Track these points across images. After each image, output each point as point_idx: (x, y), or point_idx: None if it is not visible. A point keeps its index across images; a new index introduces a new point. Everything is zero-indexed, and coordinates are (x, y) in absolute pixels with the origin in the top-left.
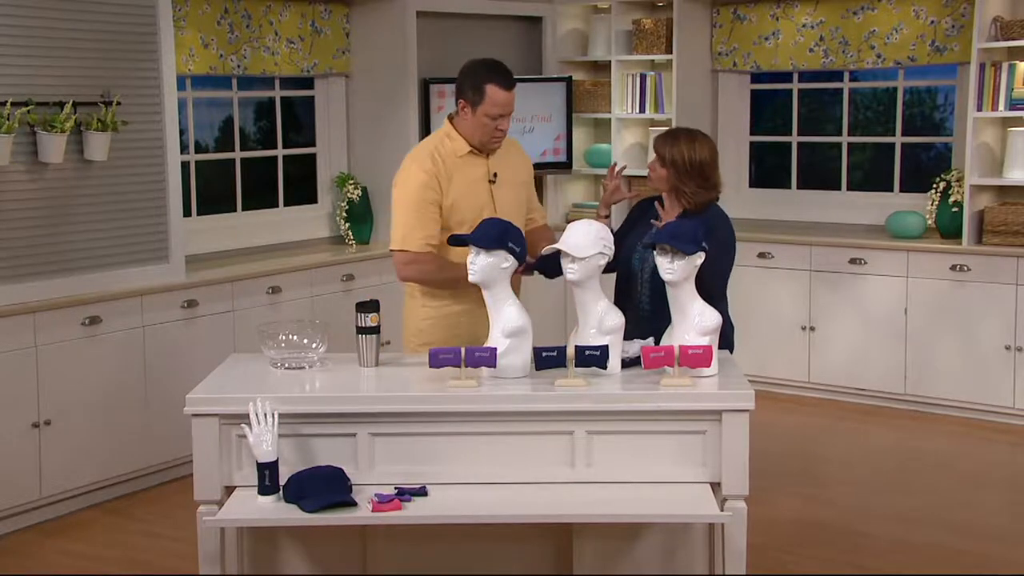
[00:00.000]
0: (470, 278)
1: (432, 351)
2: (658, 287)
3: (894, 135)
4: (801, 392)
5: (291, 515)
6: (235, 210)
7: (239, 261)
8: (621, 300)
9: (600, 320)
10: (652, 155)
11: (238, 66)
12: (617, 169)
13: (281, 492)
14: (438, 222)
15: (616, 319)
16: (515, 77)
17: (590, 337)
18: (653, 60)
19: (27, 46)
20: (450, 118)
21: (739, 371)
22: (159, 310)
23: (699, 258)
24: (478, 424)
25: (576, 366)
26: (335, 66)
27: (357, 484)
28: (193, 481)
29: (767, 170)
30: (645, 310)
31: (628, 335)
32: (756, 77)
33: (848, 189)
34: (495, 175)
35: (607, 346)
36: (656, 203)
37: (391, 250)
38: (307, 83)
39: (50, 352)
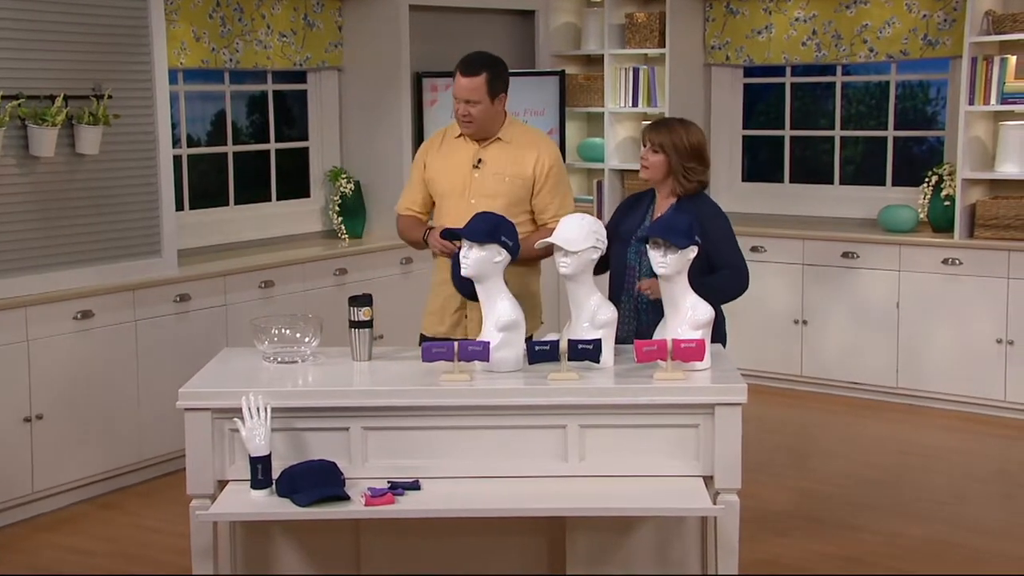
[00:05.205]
0: (462, 272)
1: (424, 345)
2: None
3: (886, 129)
4: (794, 386)
5: (284, 509)
6: (227, 204)
7: (231, 255)
8: (615, 292)
9: (593, 314)
10: (643, 147)
11: (230, 60)
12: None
13: (274, 486)
14: (421, 190)
15: (609, 313)
16: (509, 72)
17: (583, 331)
18: (646, 54)
19: (18, 39)
20: None
21: (732, 365)
22: (151, 304)
23: (691, 252)
24: (471, 418)
25: (569, 360)
26: (328, 60)
27: (350, 478)
28: (186, 475)
29: (760, 164)
30: (644, 302)
31: (624, 327)
32: (749, 71)
33: (840, 183)
34: (479, 161)
35: (600, 340)
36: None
37: None
38: (300, 77)
39: (42, 346)
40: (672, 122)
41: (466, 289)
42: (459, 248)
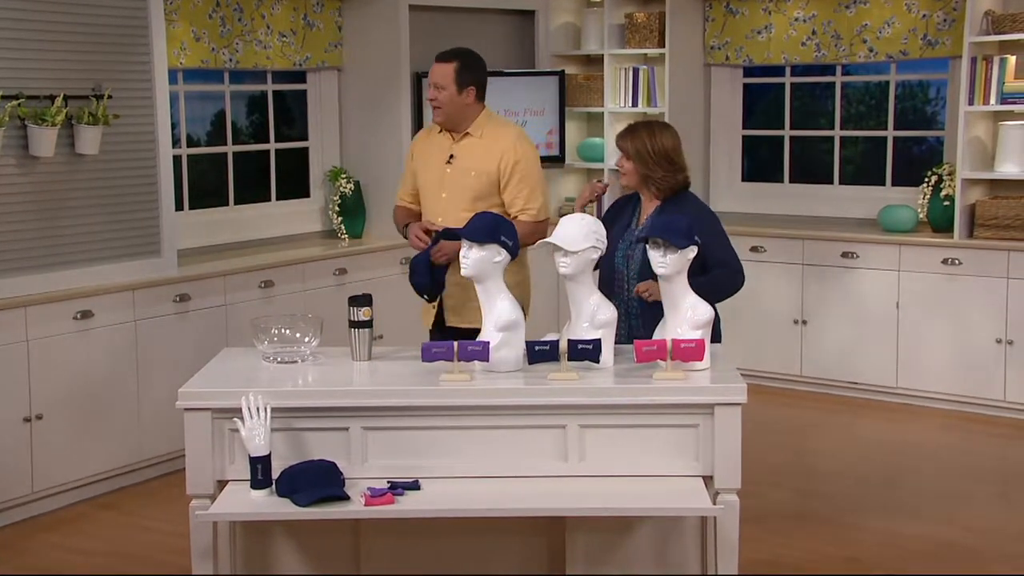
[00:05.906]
0: (462, 272)
1: (425, 345)
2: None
3: (886, 129)
4: (793, 386)
5: (284, 509)
6: (227, 204)
7: (231, 255)
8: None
9: (593, 314)
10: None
11: (230, 60)
12: (601, 187)
13: (274, 486)
14: (412, 181)
15: (609, 313)
16: (507, 71)
17: (583, 331)
18: (646, 54)
19: (18, 39)
20: None
21: (731, 365)
22: (151, 304)
23: (691, 252)
24: (471, 418)
25: (569, 360)
26: (327, 60)
27: (350, 478)
28: (185, 475)
29: (759, 164)
30: (634, 306)
31: (616, 331)
32: (748, 71)
33: (840, 183)
34: (451, 156)
35: (600, 340)
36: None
37: None
38: (299, 77)
39: (42, 346)
40: (638, 128)
41: (421, 288)
42: (428, 246)
